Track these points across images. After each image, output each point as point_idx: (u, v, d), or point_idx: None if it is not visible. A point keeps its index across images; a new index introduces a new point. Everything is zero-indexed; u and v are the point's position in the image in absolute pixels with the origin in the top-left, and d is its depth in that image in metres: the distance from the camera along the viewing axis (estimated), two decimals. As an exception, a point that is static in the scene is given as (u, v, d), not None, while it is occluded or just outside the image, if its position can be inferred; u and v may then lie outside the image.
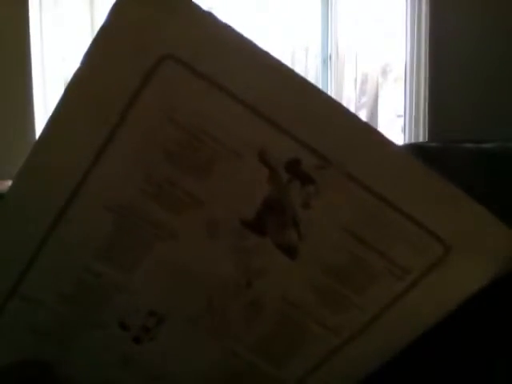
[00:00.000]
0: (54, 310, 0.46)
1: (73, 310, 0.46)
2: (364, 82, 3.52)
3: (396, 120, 3.66)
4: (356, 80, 3.47)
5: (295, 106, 0.40)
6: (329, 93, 3.43)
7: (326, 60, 3.42)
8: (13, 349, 0.47)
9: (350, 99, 3.45)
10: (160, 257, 0.44)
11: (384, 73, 3.62)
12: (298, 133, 0.40)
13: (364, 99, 3.53)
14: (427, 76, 3.34)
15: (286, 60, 3.40)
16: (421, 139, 3.36)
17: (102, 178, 0.41)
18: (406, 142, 3.42)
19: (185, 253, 0.44)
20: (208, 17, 0.38)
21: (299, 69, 3.45)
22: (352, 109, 3.46)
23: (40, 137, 0.41)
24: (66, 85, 0.40)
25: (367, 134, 0.41)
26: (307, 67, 3.48)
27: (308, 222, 0.43)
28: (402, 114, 3.53)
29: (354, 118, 0.41)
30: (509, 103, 3.19)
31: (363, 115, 3.52)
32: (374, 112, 3.54)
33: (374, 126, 3.70)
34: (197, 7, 0.38)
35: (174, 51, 0.38)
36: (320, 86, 3.48)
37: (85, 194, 0.42)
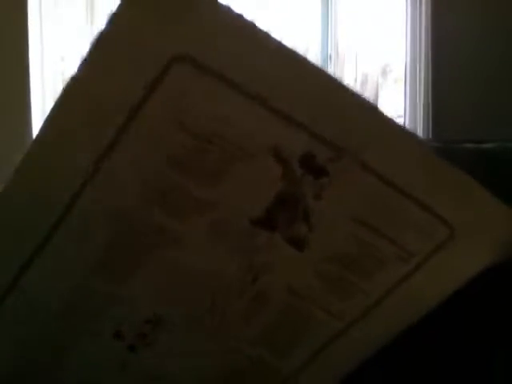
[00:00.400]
0: (48, 318, 0.45)
1: (68, 319, 0.45)
2: (364, 82, 3.52)
3: (396, 120, 3.65)
4: (356, 80, 3.47)
5: (309, 98, 0.39)
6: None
7: (325, 60, 3.42)
8: (6, 357, 0.46)
9: (349, 99, 3.45)
10: (162, 262, 0.43)
11: (384, 73, 3.62)
12: (311, 125, 0.39)
13: (364, 99, 3.53)
14: (427, 76, 3.34)
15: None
16: (421, 139, 3.36)
17: (103, 185, 0.40)
18: (406, 142, 3.42)
19: (188, 256, 0.43)
20: (218, 10, 0.36)
21: (299, 69, 3.45)
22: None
23: (37, 138, 0.39)
24: (64, 86, 0.39)
25: (379, 121, 0.40)
26: (307, 67, 3.48)
27: (319, 213, 0.42)
28: (402, 114, 3.53)
29: (367, 104, 0.40)
30: (509, 103, 3.18)
31: (363, 115, 3.51)
32: (373, 112, 3.54)
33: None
34: (207, 2, 0.36)
35: (184, 50, 0.36)
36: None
37: (85, 200, 0.40)
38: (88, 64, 0.37)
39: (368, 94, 3.52)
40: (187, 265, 0.43)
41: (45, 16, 2.93)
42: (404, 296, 0.46)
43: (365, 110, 0.40)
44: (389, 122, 0.41)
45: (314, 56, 3.47)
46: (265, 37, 0.38)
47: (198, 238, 0.42)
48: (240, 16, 0.37)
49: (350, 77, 3.44)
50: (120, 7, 0.36)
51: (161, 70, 0.37)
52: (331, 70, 3.39)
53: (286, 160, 0.40)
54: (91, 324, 0.45)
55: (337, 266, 0.44)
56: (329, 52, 3.40)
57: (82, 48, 2.99)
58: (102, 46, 0.37)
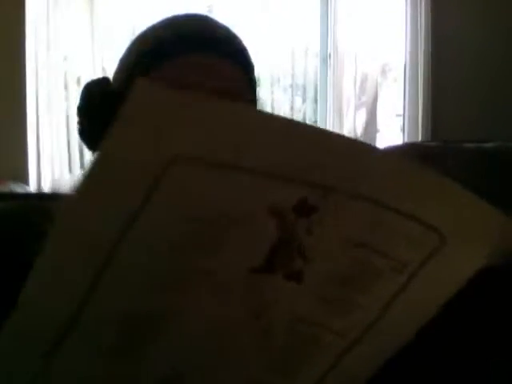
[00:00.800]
0: None
1: None
2: (363, 81, 3.52)
3: (395, 119, 3.66)
4: (355, 79, 3.47)
5: (299, 155, 0.39)
6: (328, 92, 3.43)
7: (325, 59, 3.42)
8: None
9: (349, 99, 3.45)
10: (170, 336, 0.44)
11: (383, 72, 3.62)
12: (302, 176, 0.40)
13: (363, 99, 3.53)
14: (427, 75, 3.35)
15: (286, 59, 3.40)
16: (420, 138, 3.36)
17: (108, 292, 0.41)
18: (405, 141, 3.42)
19: (195, 322, 0.44)
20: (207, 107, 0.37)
21: (299, 68, 3.45)
22: (351, 108, 3.46)
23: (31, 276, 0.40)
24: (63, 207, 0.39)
25: (367, 156, 0.41)
26: (307, 67, 3.48)
27: (312, 246, 0.43)
28: (401, 113, 3.53)
29: (339, 138, 0.41)
30: (509, 103, 3.19)
31: (362, 114, 3.52)
32: (373, 111, 3.55)
33: (374, 125, 3.69)
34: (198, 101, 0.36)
35: (180, 151, 0.37)
36: (319, 85, 3.48)
37: (93, 308, 0.41)
38: (85, 180, 0.37)
39: (367, 94, 3.52)
40: (195, 328, 0.44)
41: (45, 15, 2.93)
42: (404, 306, 0.46)
43: (352, 151, 0.40)
44: (375, 153, 0.41)
45: (313, 55, 3.47)
46: (245, 112, 0.39)
47: (204, 303, 0.43)
48: (216, 103, 0.37)
49: (349, 76, 3.44)
50: (120, 121, 0.36)
51: (159, 173, 0.37)
52: (330, 69, 3.40)
53: (281, 213, 0.41)
54: None
55: (335, 286, 0.45)
56: (328, 51, 3.40)
57: (83, 48, 2.99)
58: (100, 160, 0.37)
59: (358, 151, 0.40)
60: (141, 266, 0.41)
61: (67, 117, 2.98)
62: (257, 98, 0.75)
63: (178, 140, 0.37)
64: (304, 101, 3.53)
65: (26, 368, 0.43)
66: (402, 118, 3.54)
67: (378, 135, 3.58)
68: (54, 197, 0.90)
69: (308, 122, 3.49)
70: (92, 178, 0.37)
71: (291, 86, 3.46)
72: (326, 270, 0.44)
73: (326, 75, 3.43)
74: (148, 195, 0.38)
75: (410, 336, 0.48)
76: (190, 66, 0.67)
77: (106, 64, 3.03)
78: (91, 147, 0.73)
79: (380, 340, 0.47)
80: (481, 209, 0.42)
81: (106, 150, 0.36)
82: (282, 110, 3.48)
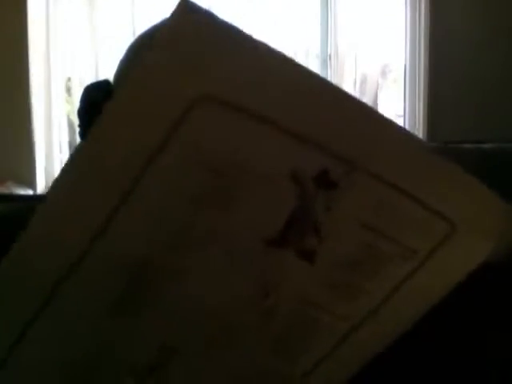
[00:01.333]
0: (56, 370, 0.44)
1: (81, 367, 0.45)
2: (363, 82, 3.52)
3: (395, 120, 3.65)
4: (355, 80, 3.47)
5: (322, 115, 0.39)
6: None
7: (325, 60, 3.42)
8: None
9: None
10: (173, 298, 0.43)
11: (383, 73, 3.62)
12: (326, 142, 0.39)
13: (364, 99, 3.53)
14: (426, 76, 3.35)
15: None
16: (420, 139, 3.36)
17: (115, 238, 0.40)
18: (406, 142, 3.42)
19: (203, 287, 0.43)
20: (236, 48, 0.36)
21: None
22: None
23: (50, 192, 0.39)
24: (79, 146, 0.38)
25: (383, 128, 0.40)
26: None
27: (328, 225, 0.42)
28: (402, 114, 3.53)
29: (371, 112, 0.40)
30: (508, 104, 3.19)
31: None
32: (373, 112, 3.54)
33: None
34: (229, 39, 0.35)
35: (205, 90, 0.36)
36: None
37: (97, 256, 0.40)
38: (108, 110, 0.37)
39: (367, 95, 3.52)
40: (202, 294, 0.43)
41: (45, 15, 2.93)
42: (409, 293, 0.46)
43: (370, 119, 0.40)
44: (391, 128, 0.41)
45: (313, 56, 3.47)
46: (278, 61, 0.37)
47: (213, 268, 0.42)
48: (254, 43, 0.36)
49: (349, 77, 3.44)
50: (147, 54, 0.35)
51: (182, 111, 0.36)
52: (331, 70, 3.40)
53: (302, 181, 0.40)
54: (103, 368, 0.45)
55: (344, 271, 0.45)
56: (328, 52, 3.40)
57: (83, 48, 2.99)
58: (125, 91, 0.36)
59: (389, 133, 0.40)
60: (155, 208, 0.39)
61: (69, 119, 2.98)
62: None
63: (213, 76, 0.35)
64: (304, 102, 3.53)
65: (37, 294, 0.42)
66: (402, 118, 3.53)
67: (378, 136, 3.58)
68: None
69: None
70: (120, 102, 0.36)
71: (291, 87, 3.46)
72: (338, 253, 0.44)
73: (327, 76, 3.42)
74: (170, 132, 0.36)
75: (408, 326, 0.48)
76: None
77: (107, 65, 3.04)
78: None
79: (379, 327, 0.47)
80: (488, 198, 0.43)
81: (140, 73, 0.35)
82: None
